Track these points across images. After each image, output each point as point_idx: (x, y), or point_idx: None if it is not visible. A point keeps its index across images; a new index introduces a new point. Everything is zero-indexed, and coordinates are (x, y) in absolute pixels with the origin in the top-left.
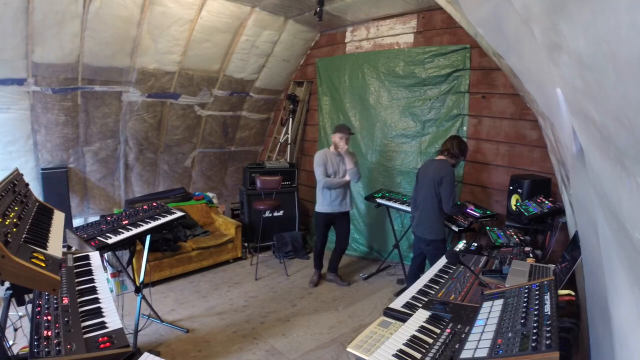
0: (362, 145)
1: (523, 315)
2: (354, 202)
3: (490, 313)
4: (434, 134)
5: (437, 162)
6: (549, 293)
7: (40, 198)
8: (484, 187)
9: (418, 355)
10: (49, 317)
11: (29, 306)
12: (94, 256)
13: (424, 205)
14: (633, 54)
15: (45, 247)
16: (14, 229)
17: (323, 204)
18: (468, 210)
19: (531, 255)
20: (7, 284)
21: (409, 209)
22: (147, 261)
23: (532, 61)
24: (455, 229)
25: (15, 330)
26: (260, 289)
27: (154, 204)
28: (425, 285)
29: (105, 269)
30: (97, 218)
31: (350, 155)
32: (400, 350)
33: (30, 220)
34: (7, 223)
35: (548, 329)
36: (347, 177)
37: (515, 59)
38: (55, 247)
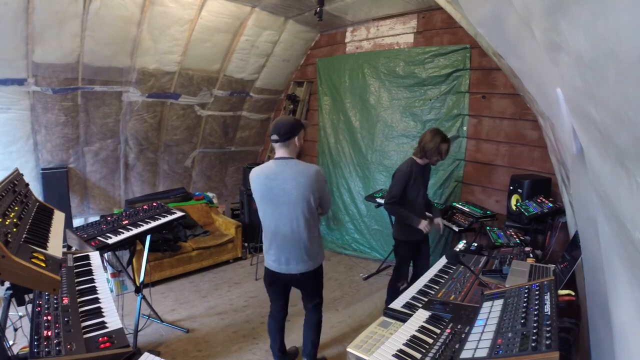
0: (362, 145)
1: (523, 315)
2: (354, 203)
3: (490, 313)
4: None
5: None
6: (549, 293)
7: (40, 198)
8: (483, 187)
9: (418, 356)
10: (49, 317)
11: (29, 306)
12: (94, 256)
13: None
14: (633, 54)
15: (45, 247)
16: (14, 229)
17: (266, 254)
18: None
19: (531, 255)
20: (7, 284)
21: None
22: (147, 261)
23: (533, 61)
24: (456, 228)
25: (15, 330)
26: (260, 289)
27: (154, 204)
28: (425, 286)
29: (105, 269)
30: (97, 218)
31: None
32: (400, 350)
33: (30, 220)
34: (7, 223)
35: (548, 329)
36: None
37: (515, 59)
38: (55, 247)
